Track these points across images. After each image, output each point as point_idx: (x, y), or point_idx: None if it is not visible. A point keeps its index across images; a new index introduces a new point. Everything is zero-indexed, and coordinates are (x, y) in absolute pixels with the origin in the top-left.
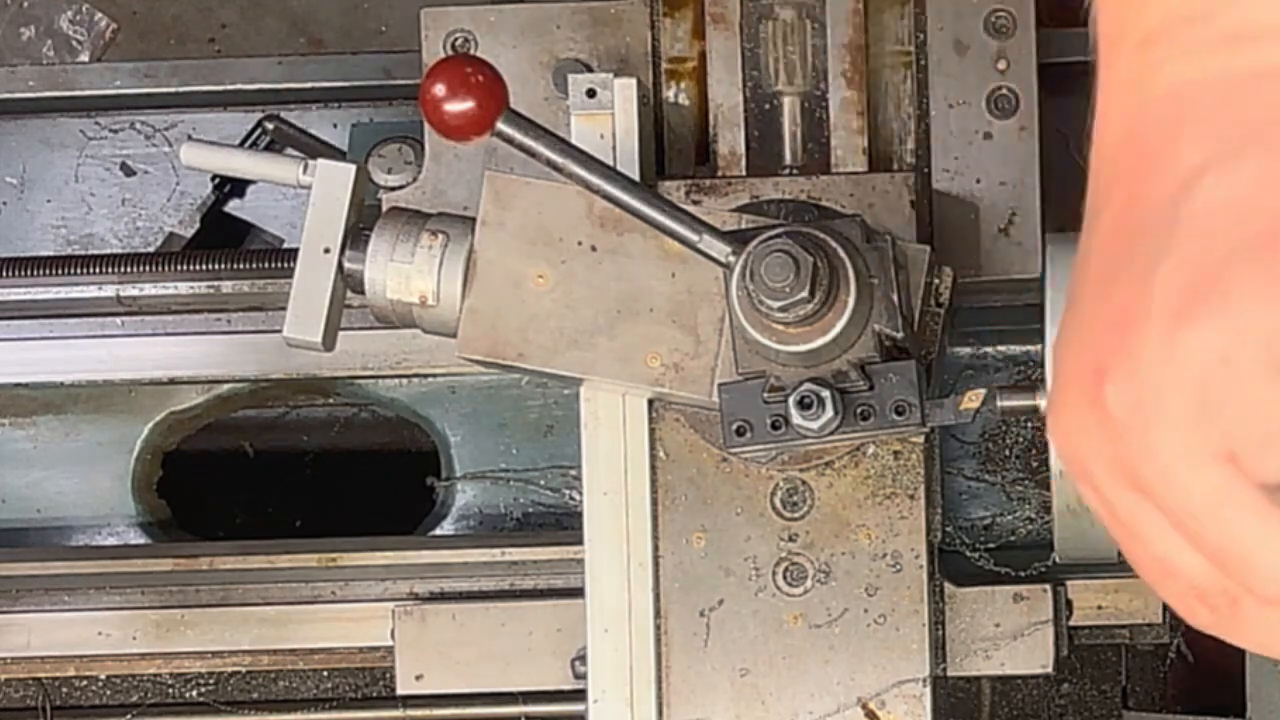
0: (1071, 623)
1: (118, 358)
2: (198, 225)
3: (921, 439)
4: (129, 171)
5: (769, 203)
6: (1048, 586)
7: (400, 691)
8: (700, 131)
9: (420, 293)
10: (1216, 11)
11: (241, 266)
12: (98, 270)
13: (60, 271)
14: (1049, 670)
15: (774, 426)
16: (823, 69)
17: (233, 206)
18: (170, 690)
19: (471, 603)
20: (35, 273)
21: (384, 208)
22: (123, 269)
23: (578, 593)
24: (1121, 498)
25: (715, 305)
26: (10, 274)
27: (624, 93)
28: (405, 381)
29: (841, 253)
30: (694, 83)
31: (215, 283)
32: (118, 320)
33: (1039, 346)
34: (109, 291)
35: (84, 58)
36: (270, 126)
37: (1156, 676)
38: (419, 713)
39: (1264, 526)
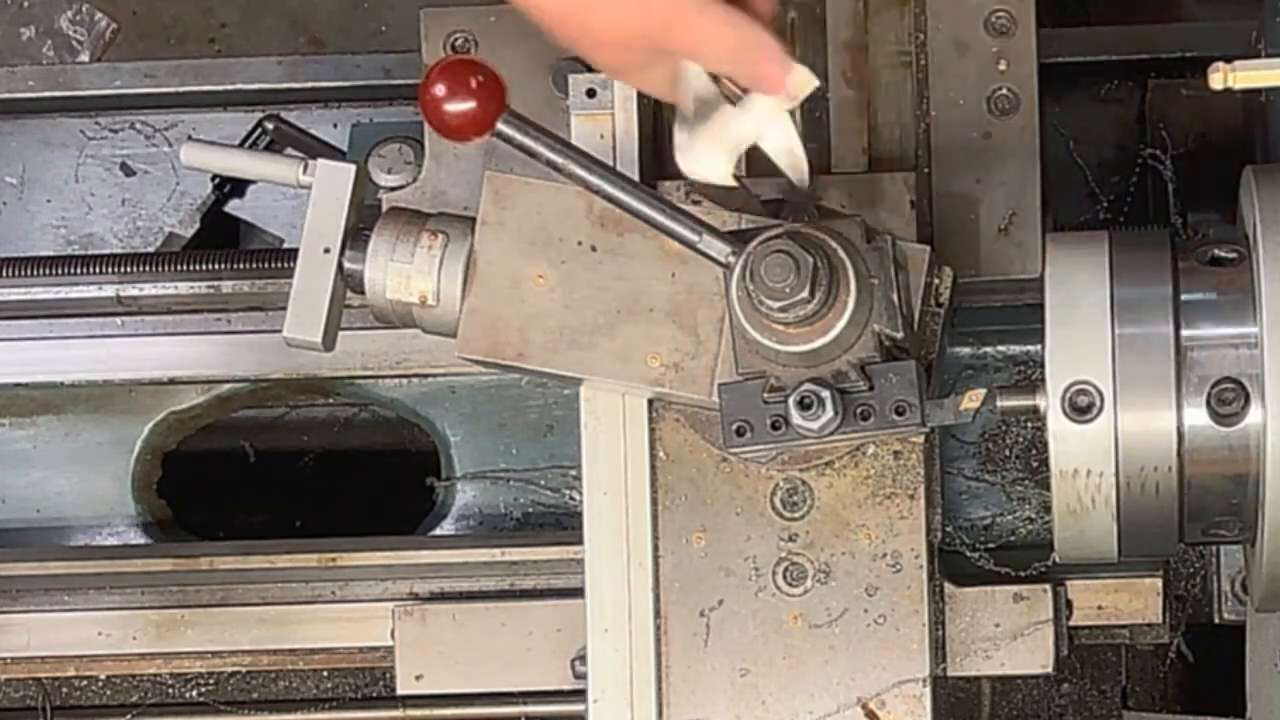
0: (1071, 623)
1: (118, 358)
2: (198, 225)
3: (921, 439)
4: (129, 171)
5: (769, 202)
6: (1048, 586)
7: (400, 691)
8: None
9: (420, 293)
10: None
11: (241, 266)
12: (98, 270)
13: (60, 271)
14: (1049, 670)
15: (774, 427)
16: (823, 69)
17: (233, 206)
18: (170, 690)
19: (471, 603)
20: (35, 273)
21: (384, 208)
22: (123, 269)
23: (578, 593)
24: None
25: (715, 305)
26: (10, 274)
27: (624, 93)
28: (405, 381)
29: (841, 253)
30: None
31: (215, 283)
32: (117, 320)
33: (1039, 346)
34: (109, 291)
35: (84, 58)
36: (270, 126)
37: (1156, 676)
38: (419, 713)
39: None
